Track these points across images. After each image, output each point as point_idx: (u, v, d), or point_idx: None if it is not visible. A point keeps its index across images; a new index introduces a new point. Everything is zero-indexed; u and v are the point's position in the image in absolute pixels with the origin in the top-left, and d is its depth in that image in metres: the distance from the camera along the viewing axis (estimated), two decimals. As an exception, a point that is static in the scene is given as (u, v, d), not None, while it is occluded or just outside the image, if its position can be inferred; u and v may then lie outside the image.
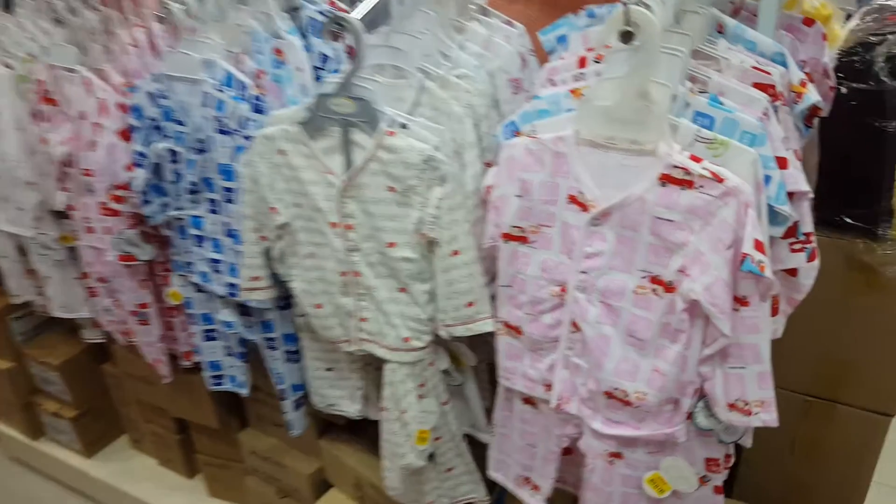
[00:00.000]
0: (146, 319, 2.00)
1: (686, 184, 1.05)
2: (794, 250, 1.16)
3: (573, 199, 1.17)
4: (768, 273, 1.00)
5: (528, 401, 1.37)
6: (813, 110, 1.20)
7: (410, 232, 1.34)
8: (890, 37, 1.40)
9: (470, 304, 1.38)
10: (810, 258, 1.18)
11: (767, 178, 1.07)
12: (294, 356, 1.73)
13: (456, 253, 1.34)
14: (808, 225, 1.17)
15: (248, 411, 2.19)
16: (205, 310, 1.83)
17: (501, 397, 1.43)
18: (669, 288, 1.11)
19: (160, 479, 2.58)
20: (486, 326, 1.39)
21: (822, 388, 1.78)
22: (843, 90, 1.46)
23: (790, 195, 1.09)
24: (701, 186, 1.04)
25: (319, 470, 2.06)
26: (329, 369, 1.67)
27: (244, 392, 1.92)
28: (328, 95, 1.31)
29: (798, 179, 1.10)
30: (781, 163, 1.08)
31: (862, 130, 1.48)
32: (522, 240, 1.25)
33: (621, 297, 1.17)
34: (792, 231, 1.14)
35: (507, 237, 1.25)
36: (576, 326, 1.22)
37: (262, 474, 2.19)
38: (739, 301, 1.07)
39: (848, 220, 1.57)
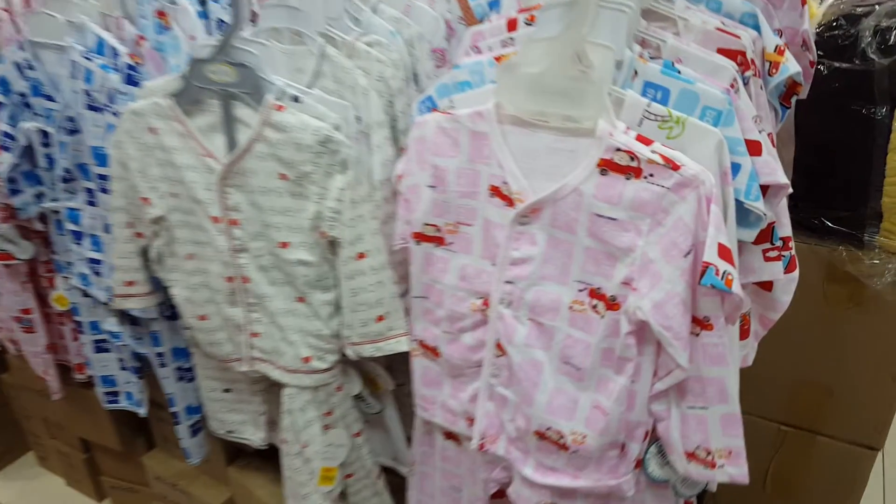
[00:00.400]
0: (31, 327, 1.73)
1: (632, 172, 0.82)
2: (768, 258, 0.93)
3: (496, 191, 0.93)
4: (736, 288, 0.78)
5: (451, 436, 1.13)
6: (791, 86, 0.97)
7: (307, 229, 1.10)
8: (878, 7, 1.19)
9: (380, 319, 1.14)
10: (788, 268, 0.96)
11: (735, 167, 0.84)
12: (187, 374, 1.48)
13: (362, 256, 1.10)
14: (785, 227, 0.95)
15: (154, 432, 1.93)
16: (92, 317, 1.57)
17: (420, 430, 1.20)
18: (612, 304, 0.88)
19: (68, 499, 2.33)
20: (400, 346, 1.15)
21: (800, 417, 1.56)
22: (824, 70, 1.24)
23: (764, 189, 0.87)
24: (650, 175, 0.81)
25: (229, 500, 1.81)
26: (227, 390, 1.42)
27: (141, 412, 1.66)
28: (204, 61, 1.06)
29: (774, 169, 0.87)
30: (753, 147, 0.86)
31: (846, 118, 1.27)
32: (438, 241, 1.01)
33: (554, 315, 0.93)
34: (766, 235, 0.92)
35: (420, 237, 1.02)
36: (501, 349, 0.99)
37: (170, 502, 1.93)
38: (700, 323, 0.84)
39: (829, 224, 1.36)
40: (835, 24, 1.24)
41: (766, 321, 1.02)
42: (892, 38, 1.18)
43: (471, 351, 1.03)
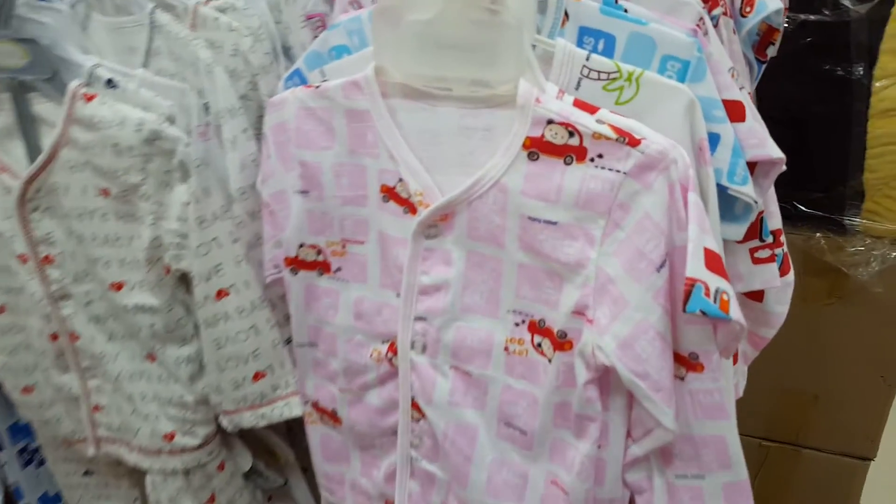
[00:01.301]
0: None
1: (572, 153, 0.57)
2: (758, 260, 0.70)
3: (390, 193, 0.67)
4: (735, 311, 0.53)
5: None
6: (767, 32, 0.75)
7: (144, 263, 0.82)
8: (849, -57, 0.98)
9: (259, 376, 0.86)
10: (782, 270, 0.73)
11: (713, 139, 0.61)
12: (34, 456, 1.16)
13: (223, 294, 0.82)
14: (774, 217, 0.72)
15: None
16: None
17: (327, 514, 0.92)
18: (562, 343, 0.62)
19: None
20: (290, 409, 0.87)
21: (782, 430, 1.36)
22: (789, 26, 1.03)
23: (750, 167, 0.63)
24: (599, 157, 0.56)
25: None
26: (88, 473, 1.11)
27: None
28: (-22, 41, 0.77)
29: (762, 139, 0.65)
30: (734, 110, 0.63)
31: (817, 81, 1.06)
32: (320, 267, 0.74)
33: (486, 360, 0.68)
34: (754, 229, 0.69)
35: (295, 264, 0.75)
36: (418, 410, 0.73)
37: None
38: (685, 363, 0.59)
39: (802, 209, 1.14)
40: (799, -32, 1.03)
41: (758, 340, 0.80)
42: (869, -23, 0.98)
43: (379, 414, 0.76)
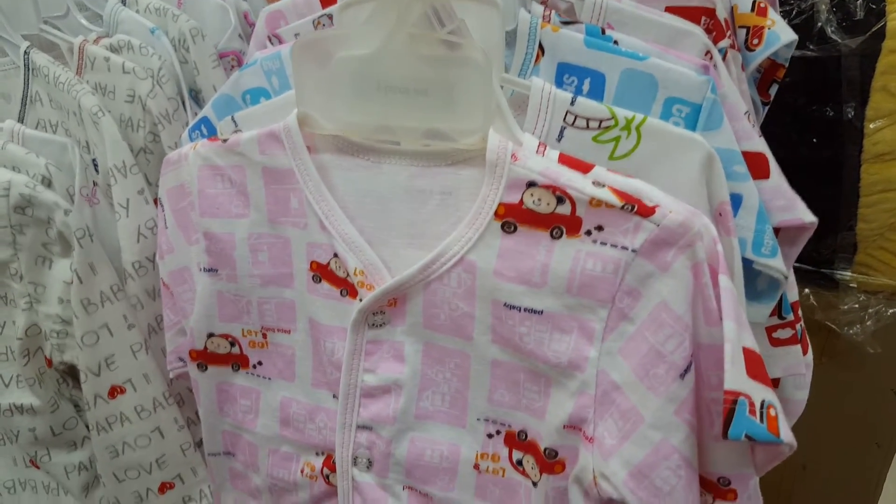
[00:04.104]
0: None
1: (562, 224, 0.44)
2: (778, 341, 0.58)
3: (321, 271, 0.53)
4: (787, 433, 0.40)
5: None
6: (770, 69, 0.64)
7: (18, 355, 0.65)
8: (834, -28, 0.90)
9: (166, 486, 0.70)
10: (804, 349, 0.61)
11: (735, 201, 0.48)
12: None
13: (116, 392, 0.66)
14: (793, 288, 0.60)
15: None
16: None
17: None
18: (550, 463, 0.48)
19: None
20: None
21: (767, 501, 1.22)
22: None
23: (775, 233, 0.51)
24: (598, 229, 0.43)
25: None
26: None
27: None
28: None
29: (791, 200, 0.53)
30: (756, 164, 0.51)
31: (804, 123, 0.96)
32: (235, 362, 0.59)
33: (450, 480, 0.53)
34: (776, 306, 0.56)
35: (203, 358, 0.59)
36: (363, 536, 0.57)
37: None
38: (713, 489, 0.45)
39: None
40: (779, -1, 0.93)
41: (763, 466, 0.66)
42: (859, 9, 0.89)
43: (315, 543, 0.61)
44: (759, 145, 0.51)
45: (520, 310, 0.46)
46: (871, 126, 0.92)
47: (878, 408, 1.12)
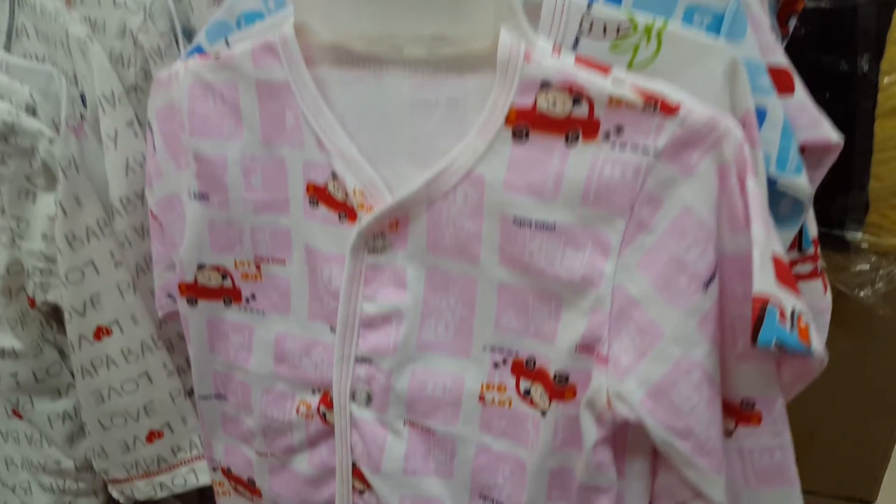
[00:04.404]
0: None
1: (579, 126, 0.41)
2: (799, 277, 0.55)
3: (319, 193, 0.50)
4: (818, 343, 0.37)
5: None
6: (789, 0, 0.61)
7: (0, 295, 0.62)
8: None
9: (155, 436, 0.67)
10: (825, 287, 0.58)
11: (759, 115, 0.45)
12: None
13: (102, 333, 0.63)
14: (813, 221, 0.57)
15: None
16: None
17: None
18: (560, 389, 0.45)
19: None
20: (196, 477, 0.69)
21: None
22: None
23: (801, 151, 0.48)
24: (618, 130, 0.40)
25: None
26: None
27: None
28: None
29: (816, 117, 0.50)
30: (781, 79, 0.48)
31: (819, 76, 0.92)
32: (227, 295, 0.56)
33: (453, 413, 0.51)
34: (795, 238, 0.53)
35: (193, 292, 0.56)
36: (362, 480, 0.55)
37: None
38: (736, 413, 0.43)
39: (798, 222, 1.01)
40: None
41: (798, 378, 0.64)
42: (876, -44, 0.86)
43: (310, 486, 0.58)
44: (783, 60, 0.49)
45: (530, 225, 0.43)
46: (886, 80, 0.90)
47: (888, 375, 1.10)
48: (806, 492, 1.20)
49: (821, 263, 0.57)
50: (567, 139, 0.41)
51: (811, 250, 0.55)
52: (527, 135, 0.42)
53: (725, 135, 0.38)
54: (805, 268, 0.55)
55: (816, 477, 1.19)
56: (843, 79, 0.91)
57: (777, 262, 0.37)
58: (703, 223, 0.39)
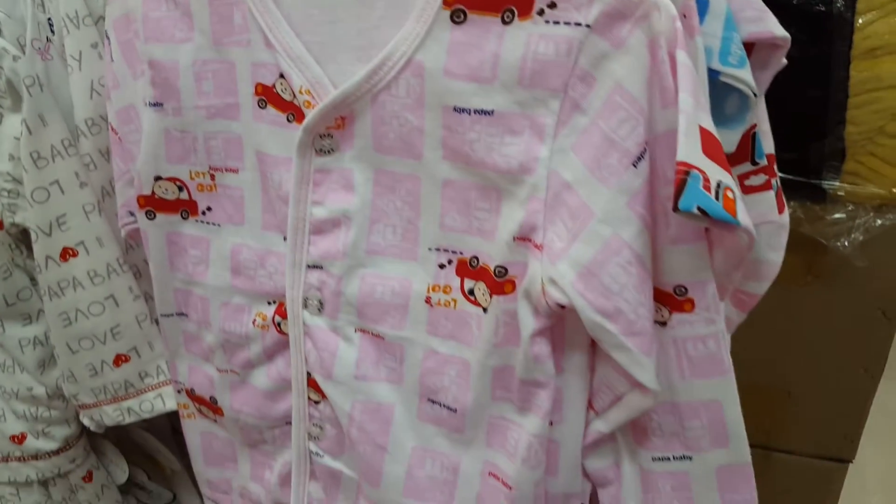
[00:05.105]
0: None
1: (513, 4, 0.41)
2: (750, 188, 0.55)
3: (267, 94, 0.50)
4: (744, 216, 0.37)
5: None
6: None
7: (-35, 216, 0.63)
8: None
9: (122, 360, 0.68)
10: (780, 207, 0.58)
11: (700, 5, 0.45)
12: None
13: (69, 254, 0.64)
14: (768, 137, 0.58)
15: None
16: None
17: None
18: (500, 283, 0.46)
19: None
20: (163, 402, 0.70)
21: (749, 431, 1.19)
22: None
23: (746, 48, 0.48)
24: (551, 5, 0.40)
25: None
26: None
27: None
28: None
29: (761, 11, 0.50)
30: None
31: (790, 16, 0.92)
32: (184, 208, 0.56)
33: (401, 317, 0.51)
34: (745, 147, 0.54)
35: (151, 204, 0.57)
36: (316, 389, 0.55)
37: None
38: (669, 300, 0.44)
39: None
40: None
41: (745, 299, 0.65)
42: None
43: (268, 399, 0.59)
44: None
45: (469, 112, 0.44)
46: (862, 20, 0.89)
47: (866, 330, 1.09)
48: (784, 451, 1.20)
49: (776, 181, 0.57)
50: (503, 18, 0.41)
51: (764, 162, 0.55)
52: (465, 16, 0.42)
53: (655, 6, 0.38)
54: (758, 179, 0.55)
55: (794, 436, 1.19)
56: (816, 19, 0.91)
57: (705, 135, 0.38)
58: (633, 99, 0.39)
